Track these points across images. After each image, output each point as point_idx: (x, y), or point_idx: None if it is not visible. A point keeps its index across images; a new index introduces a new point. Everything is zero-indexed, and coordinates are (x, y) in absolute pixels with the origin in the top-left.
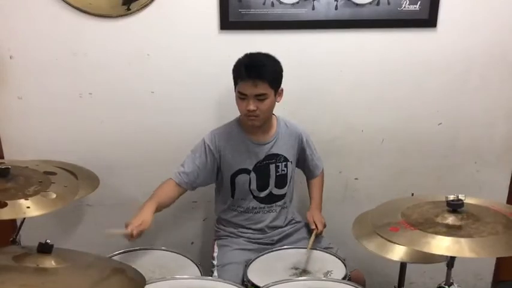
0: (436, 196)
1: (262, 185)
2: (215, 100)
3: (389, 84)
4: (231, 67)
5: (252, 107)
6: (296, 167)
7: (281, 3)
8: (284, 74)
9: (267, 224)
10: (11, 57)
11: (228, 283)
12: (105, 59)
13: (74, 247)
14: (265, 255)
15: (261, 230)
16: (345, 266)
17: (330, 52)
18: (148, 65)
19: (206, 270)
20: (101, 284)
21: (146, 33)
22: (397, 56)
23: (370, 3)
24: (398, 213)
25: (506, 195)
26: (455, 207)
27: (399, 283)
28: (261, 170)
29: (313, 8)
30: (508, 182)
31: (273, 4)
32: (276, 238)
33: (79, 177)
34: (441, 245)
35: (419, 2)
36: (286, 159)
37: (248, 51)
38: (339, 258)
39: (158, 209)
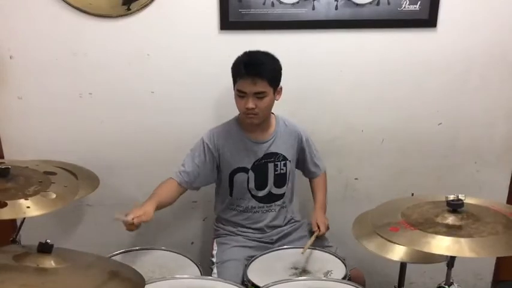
0: (436, 196)
1: (261, 184)
2: (215, 100)
3: (389, 84)
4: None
5: (251, 105)
6: (296, 168)
7: (281, 3)
8: (284, 74)
9: (267, 224)
10: (11, 57)
11: (228, 283)
12: (105, 59)
13: (74, 247)
14: (265, 255)
15: (260, 230)
16: (345, 265)
17: (330, 52)
18: (148, 65)
19: (206, 270)
20: (100, 284)
21: (146, 33)
22: (397, 56)
23: (370, 3)
24: (398, 213)
25: (506, 195)
26: (455, 207)
27: (399, 283)
28: (260, 168)
29: (313, 8)
30: (508, 182)
31: (273, 4)
32: (275, 237)
33: (79, 177)
34: (441, 245)
35: (419, 2)
36: (285, 158)
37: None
38: (339, 258)
39: (158, 207)
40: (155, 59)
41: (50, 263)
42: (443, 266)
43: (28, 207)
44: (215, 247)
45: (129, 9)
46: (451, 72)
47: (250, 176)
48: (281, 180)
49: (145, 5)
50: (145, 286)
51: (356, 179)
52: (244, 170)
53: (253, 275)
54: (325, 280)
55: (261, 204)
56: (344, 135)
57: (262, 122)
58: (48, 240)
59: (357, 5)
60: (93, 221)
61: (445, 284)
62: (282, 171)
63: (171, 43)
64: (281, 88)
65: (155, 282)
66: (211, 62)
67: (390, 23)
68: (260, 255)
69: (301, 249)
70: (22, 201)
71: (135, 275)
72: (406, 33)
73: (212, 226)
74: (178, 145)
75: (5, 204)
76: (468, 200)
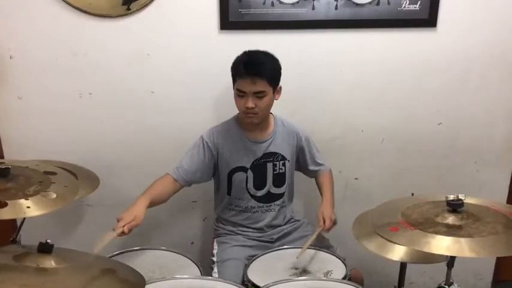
0: (436, 196)
1: (259, 183)
2: (215, 100)
3: (389, 84)
4: None
5: (250, 104)
6: (298, 169)
7: (281, 3)
8: (284, 73)
9: (266, 223)
10: (11, 57)
11: (228, 283)
12: (105, 59)
13: (74, 247)
14: (265, 255)
15: (260, 229)
16: (345, 265)
17: (330, 52)
18: (148, 65)
19: (206, 270)
20: (100, 285)
21: (146, 33)
22: (397, 56)
23: (370, 3)
24: (398, 213)
25: (506, 195)
26: (455, 207)
27: (399, 283)
28: (258, 168)
29: (313, 8)
30: (508, 182)
31: (273, 4)
32: (275, 237)
33: (79, 177)
34: (441, 244)
35: (419, 2)
36: (283, 158)
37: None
38: (339, 258)
39: (152, 204)
40: (155, 59)
41: (50, 263)
42: (443, 266)
43: (28, 207)
44: (215, 246)
45: (129, 9)
46: (451, 72)
47: (249, 175)
48: (280, 179)
49: (145, 5)
50: (146, 286)
51: (356, 179)
52: (243, 169)
53: (254, 275)
54: (325, 280)
55: (261, 204)
56: (344, 135)
57: (261, 121)
58: (48, 240)
59: (357, 4)
60: (93, 221)
61: (445, 284)
62: (280, 171)
63: (171, 43)
64: (280, 88)
65: (155, 282)
66: (211, 62)
67: (390, 23)
68: (260, 255)
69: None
70: (22, 201)
71: (135, 275)
72: (406, 33)
73: (212, 226)
74: (178, 145)
75: (5, 204)
76: (468, 200)
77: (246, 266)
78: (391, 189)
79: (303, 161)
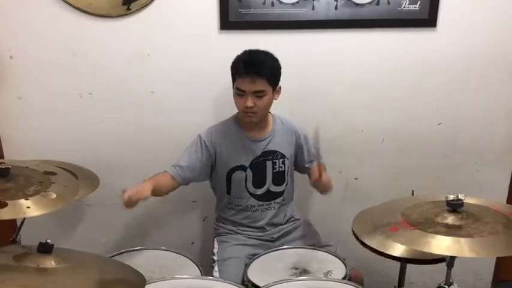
0: (436, 196)
1: (259, 182)
2: (215, 100)
3: (389, 84)
4: None
5: (250, 103)
6: (295, 168)
7: (281, 3)
8: (284, 73)
9: (267, 222)
10: (11, 57)
11: (228, 283)
12: (105, 59)
13: (74, 247)
14: (265, 255)
15: (260, 228)
16: (345, 265)
17: (330, 52)
18: (148, 65)
19: (206, 270)
20: (100, 284)
21: (146, 33)
22: (397, 56)
23: (370, 3)
24: (398, 213)
25: (506, 195)
26: (455, 207)
27: (399, 283)
28: (258, 166)
29: (313, 8)
30: (508, 182)
31: (273, 4)
32: (275, 236)
33: (79, 177)
34: (441, 244)
35: (419, 2)
36: (283, 156)
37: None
38: (339, 258)
39: (153, 192)
40: (155, 59)
41: (50, 263)
42: (443, 266)
43: (28, 207)
44: (216, 245)
45: (129, 9)
46: (451, 72)
47: (248, 174)
48: (280, 177)
49: (145, 5)
50: (146, 286)
51: (356, 179)
52: (242, 168)
53: (254, 275)
54: (325, 280)
55: (260, 203)
56: (344, 135)
57: (260, 120)
58: (48, 240)
59: (357, 4)
60: (93, 221)
61: (445, 284)
62: (280, 169)
63: (171, 43)
64: (280, 88)
65: (155, 282)
66: (211, 62)
67: (390, 23)
68: (260, 255)
69: (301, 249)
70: (22, 201)
71: (136, 274)
72: (406, 33)
73: (212, 226)
74: (178, 145)
75: (5, 204)
76: (468, 200)
77: (246, 266)
78: (391, 189)
79: (300, 159)
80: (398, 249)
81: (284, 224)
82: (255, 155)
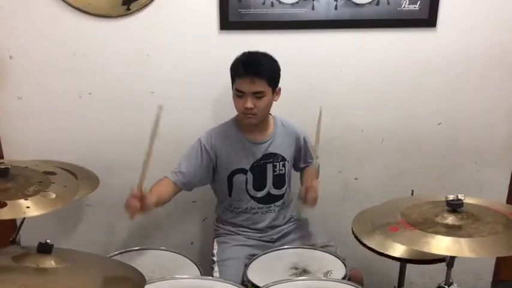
0: (436, 196)
1: (259, 185)
2: (215, 100)
3: (390, 84)
4: None
5: (249, 104)
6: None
7: (281, 3)
8: (284, 74)
9: (267, 224)
10: (10, 57)
11: (227, 283)
12: (105, 59)
13: (74, 247)
14: (265, 255)
15: (260, 230)
16: (344, 265)
17: (330, 52)
18: (148, 65)
19: (206, 270)
20: (100, 284)
21: (146, 33)
22: (397, 56)
23: (369, 3)
24: (398, 213)
25: (506, 195)
26: (455, 207)
27: (399, 283)
28: (258, 169)
29: (313, 8)
30: (508, 182)
31: (272, 4)
32: (275, 236)
33: (79, 177)
34: (441, 244)
35: (419, 2)
36: (283, 159)
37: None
38: (339, 258)
39: (156, 203)
40: (155, 59)
41: (50, 263)
42: (443, 266)
43: (28, 207)
44: (215, 246)
45: (128, 9)
46: (451, 72)
47: (249, 177)
48: (280, 180)
49: (145, 5)
50: (145, 286)
51: (356, 179)
52: (243, 171)
53: (253, 275)
54: (325, 280)
55: (261, 205)
56: (344, 135)
57: (260, 122)
58: (48, 241)
59: (357, 4)
60: (93, 221)
61: (444, 284)
62: (280, 172)
63: (171, 43)
64: (280, 89)
65: (155, 282)
66: (211, 62)
67: (390, 23)
68: (260, 255)
69: (300, 249)
70: (22, 201)
71: (136, 274)
72: (406, 33)
73: (212, 226)
74: (178, 145)
75: (5, 204)
76: (468, 200)
77: (246, 266)
78: (391, 189)
79: (297, 159)
80: (398, 250)
81: (284, 225)
82: (256, 158)
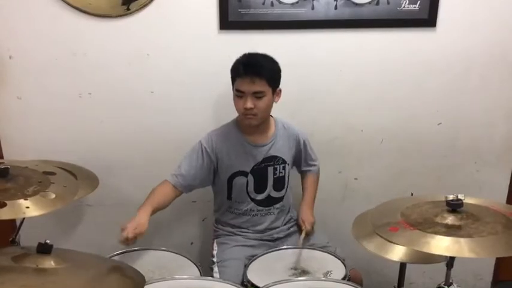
0: (435, 196)
1: (260, 187)
2: (215, 100)
3: (389, 84)
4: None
5: (249, 104)
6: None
7: (280, 3)
8: (284, 73)
9: (266, 226)
10: (10, 57)
11: (227, 283)
12: (105, 59)
13: (73, 247)
14: (265, 255)
15: (260, 232)
16: (344, 266)
17: (330, 52)
18: (147, 65)
19: (206, 270)
20: (100, 285)
21: (146, 33)
22: (397, 56)
23: (369, 2)
24: (397, 213)
25: (506, 195)
26: (454, 207)
27: (399, 283)
28: (259, 172)
29: (313, 8)
30: (508, 182)
31: (272, 4)
32: (275, 236)
33: (78, 177)
34: (441, 245)
35: (418, 2)
36: (284, 161)
37: (248, 51)
38: (339, 258)
39: (154, 212)
40: (155, 59)
41: (49, 263)
42: (442, 266)
43: (27, 207)
44: (215, 247)
45: (128, 9)
46: (451, 72)
47: (250, 179)
48: (280, 183)
49: (145, 5)
50: (145, 287)
51: (356, 179)
52: (244, 173)
53: (253, 275)
54: (324, 280)
55: (260, 208)
56: (344, 135)
57: (260, 123)
58: (48, 241)
59: (357, 4)
60: (92, 221)
61: (444, 284)
62: (281, 175)
63: (171, 43)
64: (280, 90)
65: (154, 282)
66: (210, 62)
67: (390, 23)
68: (260, 255)
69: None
70: (21, 201)
71: (135, 274)
72: (406, 33)
73: (212, 226)
74: (178, 145)
75: (5, 205)
76: (468, 200)
77: (246, 267)
78: (391, 190)
79: (297, 161)
80: (398, 253)
81: (283, 225)
82: (256, 161)
